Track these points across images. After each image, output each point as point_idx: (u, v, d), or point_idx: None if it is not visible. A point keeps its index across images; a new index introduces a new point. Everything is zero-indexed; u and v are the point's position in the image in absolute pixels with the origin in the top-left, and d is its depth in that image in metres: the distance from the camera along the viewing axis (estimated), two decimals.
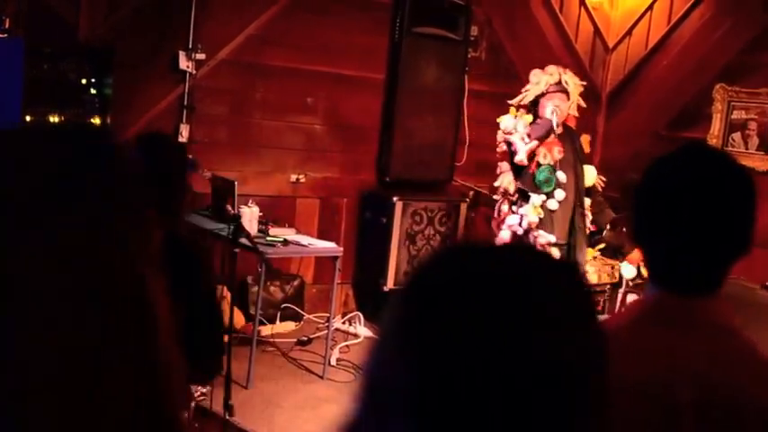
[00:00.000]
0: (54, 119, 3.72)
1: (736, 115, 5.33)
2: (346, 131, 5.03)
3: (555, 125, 4.13)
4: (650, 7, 5.70)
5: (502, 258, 0.64)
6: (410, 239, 5.05)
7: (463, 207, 5.28)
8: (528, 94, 4.26)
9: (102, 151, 0.68)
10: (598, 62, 5.93)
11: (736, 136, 5.34)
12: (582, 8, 5.79)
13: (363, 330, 4.87)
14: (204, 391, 3.39)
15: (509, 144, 4.23)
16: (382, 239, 4.95)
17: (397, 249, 4.97)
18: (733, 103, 5.31)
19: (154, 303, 0.67)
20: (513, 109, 4.32)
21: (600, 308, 5.02)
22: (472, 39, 5.28)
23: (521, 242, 4.20)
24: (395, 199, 4.94)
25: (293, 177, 4.87)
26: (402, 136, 5.10)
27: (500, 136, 4.32)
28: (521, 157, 4.15)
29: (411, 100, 5.08)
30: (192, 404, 3.23)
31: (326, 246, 4.29)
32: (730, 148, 5.26)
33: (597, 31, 5.89)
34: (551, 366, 0.57)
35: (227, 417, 3.36)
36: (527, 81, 5.70)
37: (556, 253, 3.93)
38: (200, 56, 4.36)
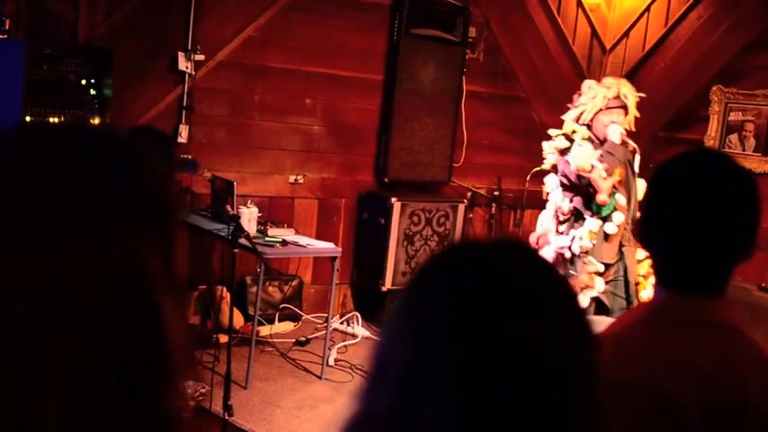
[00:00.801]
0: (54, 119, 3.73)
1: (732, 117, 5.35)
2: (344, 132, 5.04)
3: (634, 164, 3.83)
4: (647, 9, 5.72)
5: (500, 257, 0.68)
6: (408, 240, 5.06)
7: (461, 208, 5.30)
8: (586, 111, 3.86)
9: (112, 153, 0.62)
10: (595, 64, 5.95)
11: (733, 137, 5.36)
12: (579, 9, 5.81)
13: (361, 330, 4.88)
14: (204, 391, 3.41)
15: (588, 184, 3.79)
16: (380, 240, 4.96)
17: (395, 250, 4.99)
18: (730, 105, 5.33)
19: (168, 341, 0.60)
20: (567, 124, 3.93)
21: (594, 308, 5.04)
22: (470, 40, 5.29)
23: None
24: (393, 200, 4.96)
25: (292, 178, 4.89)
26: (400, 137, 5.11)
27: (547, 147, 4.00)
28: (604, 198, 3.72)
29: (409, 101, 5.09)
30: (192, 404, 3.24)
31: (325, 246, 4.30)
32: (727, 150, 5.28)
33: (594, 33, 5.91)
34: (546, 360, 0.62)
35: (227, 417, 3.37)
36: (524, 82, 5.77)
37: (600, 284, 3.69)
38: (199, 57, 4.37)
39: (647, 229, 1.20)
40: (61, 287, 0.56)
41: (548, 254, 3.87)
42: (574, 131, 3.89)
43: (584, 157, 3.76)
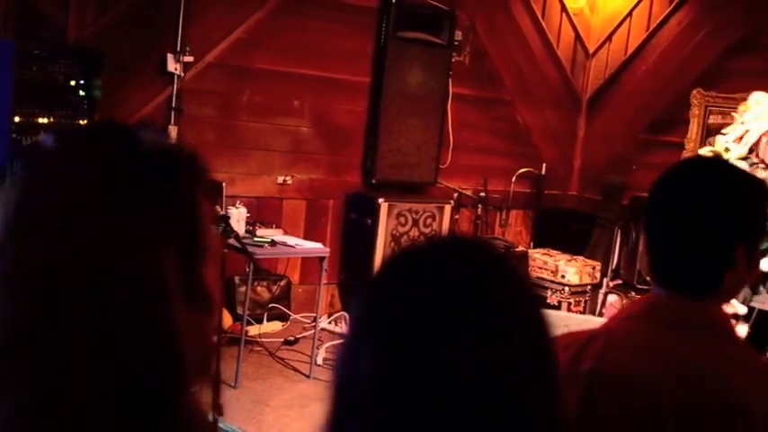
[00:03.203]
0: (43, 120, 3.74)
1: (712, 120, 5.44)
2: (332, 134, 5.08)
3: None
4: (630, 14, 5.83)
5: (445, 262, 0.68)
6: (395, 240, 5.11)
7: (447, 208, 5.35)
8: (751, 132, 3.31)
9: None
10: (579, 67, 6.05)
11: (713, 140, 5.46)
12: (563, 14, 5.90)
13: None
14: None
15: None
16: (368, 240, 5.01)
17: (383, 250, 5.03)
18: (710, 108, 5.43)
19: (178, 351, 0.61)
20: (719, 142, 3.45)
21: (581, 308, 5.13)
22: (456, 43, 5.35)
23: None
24: (380, 200, 5.01)
25: (280, 179, 4.91)
26: (387, 138, 5.16)
27: None
28: None
29: (396, 103, 5.14)
30: None
31: (313, 246, 4.34)
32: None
33: (578, 37, 6.01)
34: (477, 371, 0.62)
35: (216, 416, 3.39)
36: (509, 85, 5.84)
37: (743, 329, 3.19)
38: (188, 58, 4.39)
39: (648, 227, 1.23)
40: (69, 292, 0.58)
41: None
42: (727, 149, 3.42)
43: None
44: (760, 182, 1.22)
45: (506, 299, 0.66)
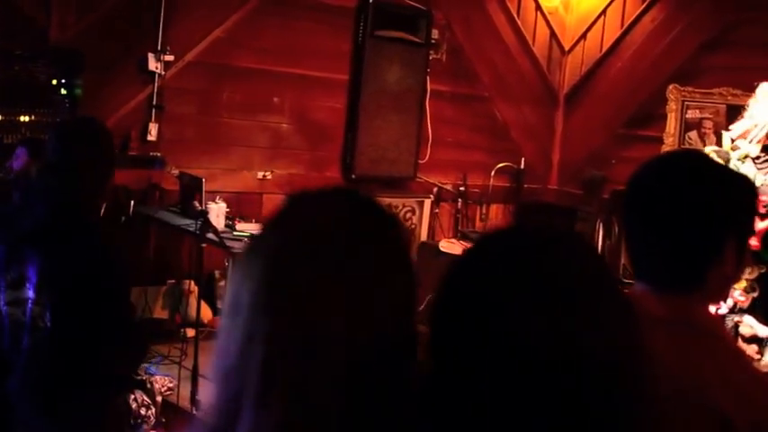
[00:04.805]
0: (24, 119, 3.83)
1: (690, 114, 5.52)
2: (312, 130, 5.17)
3: None
4: (604, 12, 5.92)
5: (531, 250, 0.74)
6: None
7: (427, 203, 5.45)
8: (757, 127, 3.00)
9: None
10: (555, 64, 6.14)
11: (693, 134, 5.53)
12: (538, 12, 5.99)
13: None
14: (171, 385, 3.46)
15: None
16: None
17: None
18: (687, 103, 5.51)
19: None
20: (726, 139, 3.14)
21: None
22: (433, 41, 5.45)
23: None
24: None
25: (260, 174, 5.00)
26: (366, 134, 5.25)
27: None
28: (754, 242, 2.79)
29: (375, 100, 5.23)
30: (159, 399, 3.31)
31: None
32: (687, 146, 5.46)
33: (553, 35, 6.10)
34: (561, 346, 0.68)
35: (195, 411, 3.44)
36: (487, 81, 5.94)
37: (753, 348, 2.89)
38: (169, 57, 4.47)
39: (629, 222, 1.23)
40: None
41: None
42: (734, 147, 3.11)
43: None
44: (745, 177, 1.22)
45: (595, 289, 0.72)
